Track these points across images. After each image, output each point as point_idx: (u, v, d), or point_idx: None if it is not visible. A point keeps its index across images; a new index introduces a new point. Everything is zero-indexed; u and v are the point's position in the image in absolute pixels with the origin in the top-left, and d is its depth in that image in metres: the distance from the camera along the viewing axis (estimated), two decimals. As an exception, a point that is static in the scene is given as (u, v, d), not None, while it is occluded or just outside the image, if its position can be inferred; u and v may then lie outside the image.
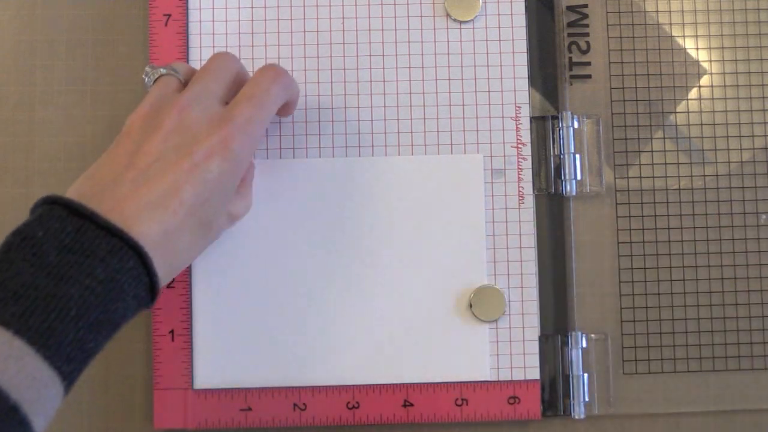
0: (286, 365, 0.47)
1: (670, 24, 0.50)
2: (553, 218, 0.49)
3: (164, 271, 0.39)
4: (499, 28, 0.49)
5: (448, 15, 0.49)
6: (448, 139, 0.49)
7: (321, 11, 0.49)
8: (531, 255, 0.48)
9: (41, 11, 0.50)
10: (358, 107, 0.49)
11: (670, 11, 0.50)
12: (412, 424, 0.48)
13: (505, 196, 0.48)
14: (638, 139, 0.49)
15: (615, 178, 0.49)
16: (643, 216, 0.49)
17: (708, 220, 0.49)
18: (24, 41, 0.50)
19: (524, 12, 0.49)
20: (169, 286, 0.48)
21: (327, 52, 0.49)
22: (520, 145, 0.49)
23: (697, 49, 0.50)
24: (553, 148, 0.49)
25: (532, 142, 0.49)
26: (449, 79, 0.49)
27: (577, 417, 0.48)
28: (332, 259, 0.48)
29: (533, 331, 0.48)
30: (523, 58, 0.49)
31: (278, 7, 0.49)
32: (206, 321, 0.48)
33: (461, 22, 0.49)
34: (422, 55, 0.49)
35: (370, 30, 0.49)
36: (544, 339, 0.48)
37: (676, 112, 0.50)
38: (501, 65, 0.49)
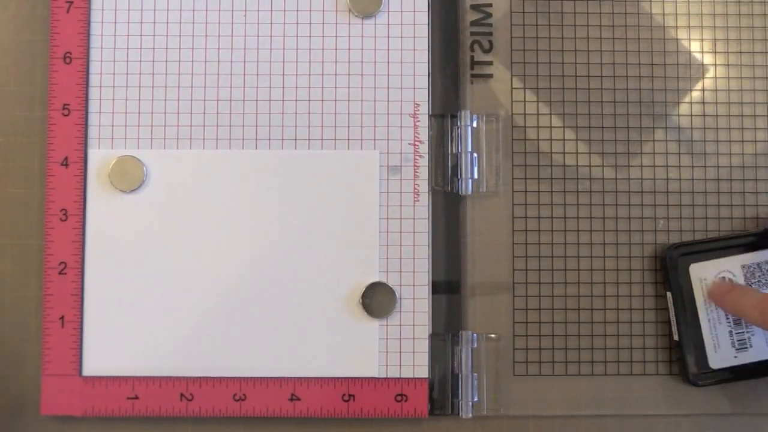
0: (174, 355, 0.48)
1: (575, 26, 0.50)
2: (449, 217, 0.49)
3: None
4: (401, 24, 0.49)
5: (350, 10, 0.49)
6: (345, 134, 0.49)
7: (224, 2, 0.49)
8: (424, 253, 0.48)
9: (41, 11, 0.50)
10: (257, 100, 0.49)
11: (574, 13, 0.50)
12: (299, 418, 0.48)
13: (401, 193, 0.48)
14: (538, 140, 0.49)
15: (513, 178, 0.49)
16: (539, 217, 0.49)
17: (606, 224, 0.49)
18: (24, 41, 0.50)
19: (427, 9, 0.49)
20: (61, 273, 0.48)
21: (228, 44, 0.49)
22: (417, 143, 0.49)
23: (601, 52, 0.50)
24: (451, 146, 0.49)
25: (430, 140, 0.49)
26: (349, 74, 0.49)
27: (464, 416, 0.48)
28: (224, 251, 0.48)
29: (423, 330, 0.48)
30: (424, 56, 0.49)
31: (182, -3, 0.49)
32: (97, 308, 0.48)
33: (363, 18, 0.49)
34: (323, 49, 0.49)
35: (271, 23, 0.49)
36: (435, 338, 0.48)
37: (577, 115, 0.49)
38: (402, 62, 0.49)
